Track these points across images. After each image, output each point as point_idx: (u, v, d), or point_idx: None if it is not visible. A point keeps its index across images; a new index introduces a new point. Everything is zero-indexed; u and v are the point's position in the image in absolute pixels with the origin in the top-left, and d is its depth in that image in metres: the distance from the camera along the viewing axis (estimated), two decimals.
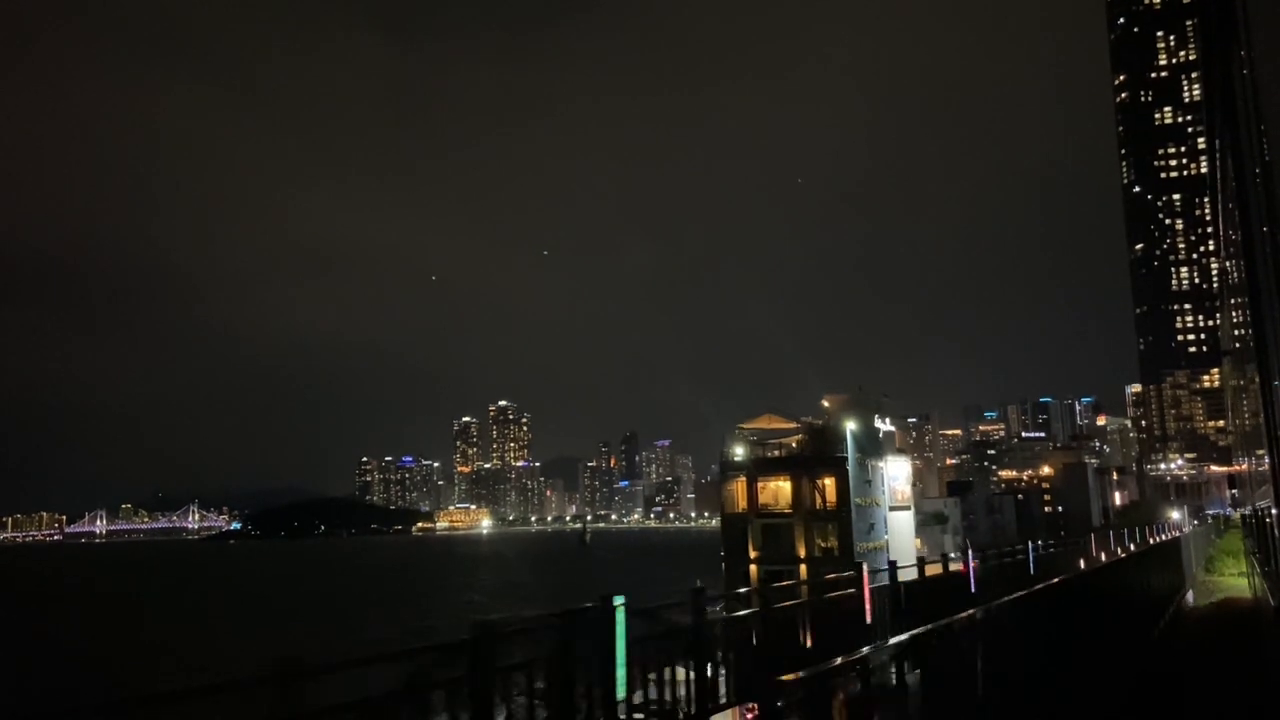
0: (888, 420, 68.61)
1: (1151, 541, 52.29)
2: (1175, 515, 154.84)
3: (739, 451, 65.79)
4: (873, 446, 65.39)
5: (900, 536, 66.27)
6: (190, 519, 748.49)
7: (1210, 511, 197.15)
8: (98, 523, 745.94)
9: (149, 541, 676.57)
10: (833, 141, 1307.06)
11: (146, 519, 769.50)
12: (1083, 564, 40.80)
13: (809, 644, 18.18)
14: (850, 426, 63.07)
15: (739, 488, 64.32)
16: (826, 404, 69.21)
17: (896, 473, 68.64)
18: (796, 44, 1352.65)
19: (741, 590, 39.93)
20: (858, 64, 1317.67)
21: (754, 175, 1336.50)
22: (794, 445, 66.77)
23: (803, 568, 59.75)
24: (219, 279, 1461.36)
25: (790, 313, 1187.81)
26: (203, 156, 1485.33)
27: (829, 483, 62.49)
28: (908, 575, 25.34)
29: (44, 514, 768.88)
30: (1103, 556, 46.96)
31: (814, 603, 19.89)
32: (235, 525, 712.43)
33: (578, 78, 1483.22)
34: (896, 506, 67.07)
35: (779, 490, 63.74)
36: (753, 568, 62.32)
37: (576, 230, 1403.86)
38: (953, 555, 34.14)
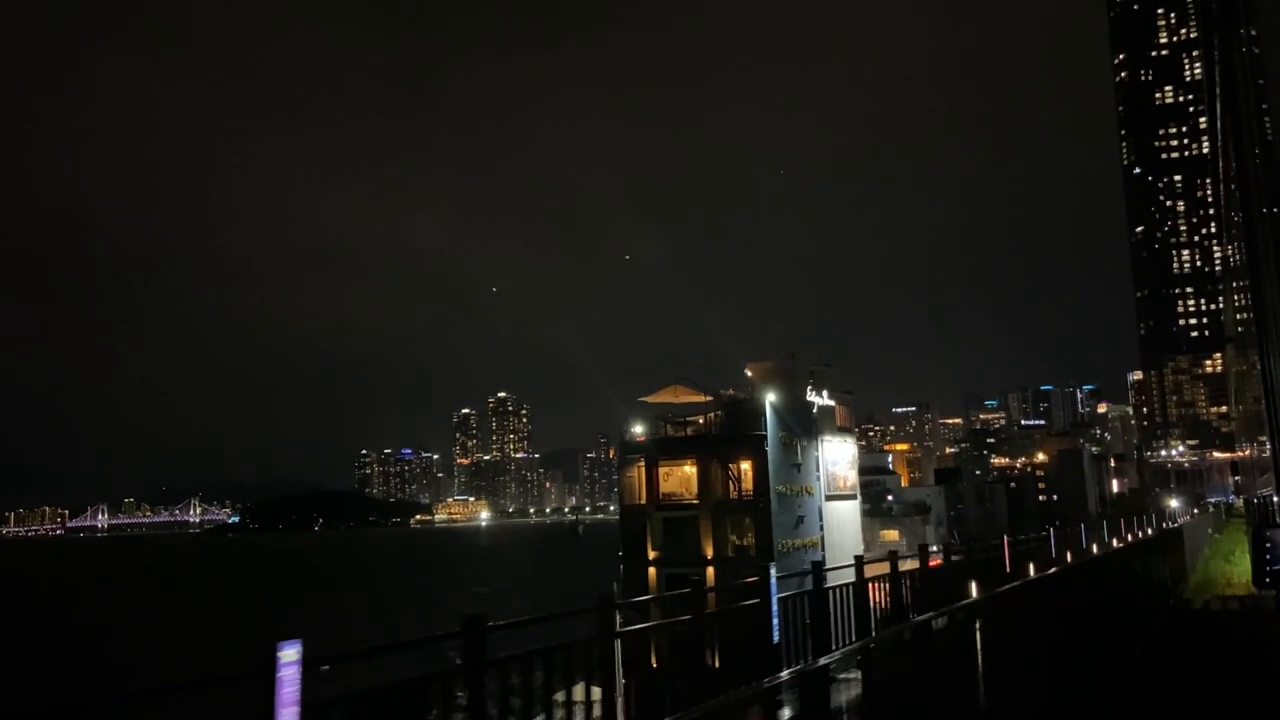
0: (825, 394, 59.05)
1: (1131, 537, 46.31)
2: (1174, 503, 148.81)
3: (638, 431, 57.34)
4: (803, 424, 56.58)
5: (840, 531, 57.30)
6: (191, 512, 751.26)
7: (1212, 499, 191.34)
8: (99, 517, 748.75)
9: (148, 535, 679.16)
10: (829, 130, 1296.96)
11: (149, 513, 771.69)
12: (1069, 557, 37.01)
13: (717, 664, 15.90)
14: (770, 399, 54.18)
15: (638, 474, 55.85)
16: (750, 373, 59.65)
17: (836, 455, 59.34)
18: (791, 29, 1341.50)
19: (641, 599, 34.64)
20: (855, 54, 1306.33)
21: (755, 167, 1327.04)
22: (704, 423, 57.59)
23: (710, 571, 50.72)
24: (219, 273, 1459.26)
25: (790, 303, 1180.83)
26: (203, 150, 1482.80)
27: (746, 467, 54.23)
28: (844, 578, 21.14)
29: (46, 509, 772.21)
30: (1094, 548, 43.07)
31: (722, 615, 17.01)
32: (234, 518, 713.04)
33: (576, 73, 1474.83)
34: (836, 495, 58.82)
35: (685, 477, 55.44)
36: (651, 571, 53.80)
37: (576, 221, 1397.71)
38: (933, 549, 29.72)
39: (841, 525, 58.44)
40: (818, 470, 55.48)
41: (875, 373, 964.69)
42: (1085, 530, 50.26)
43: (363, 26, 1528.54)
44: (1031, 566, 30.79)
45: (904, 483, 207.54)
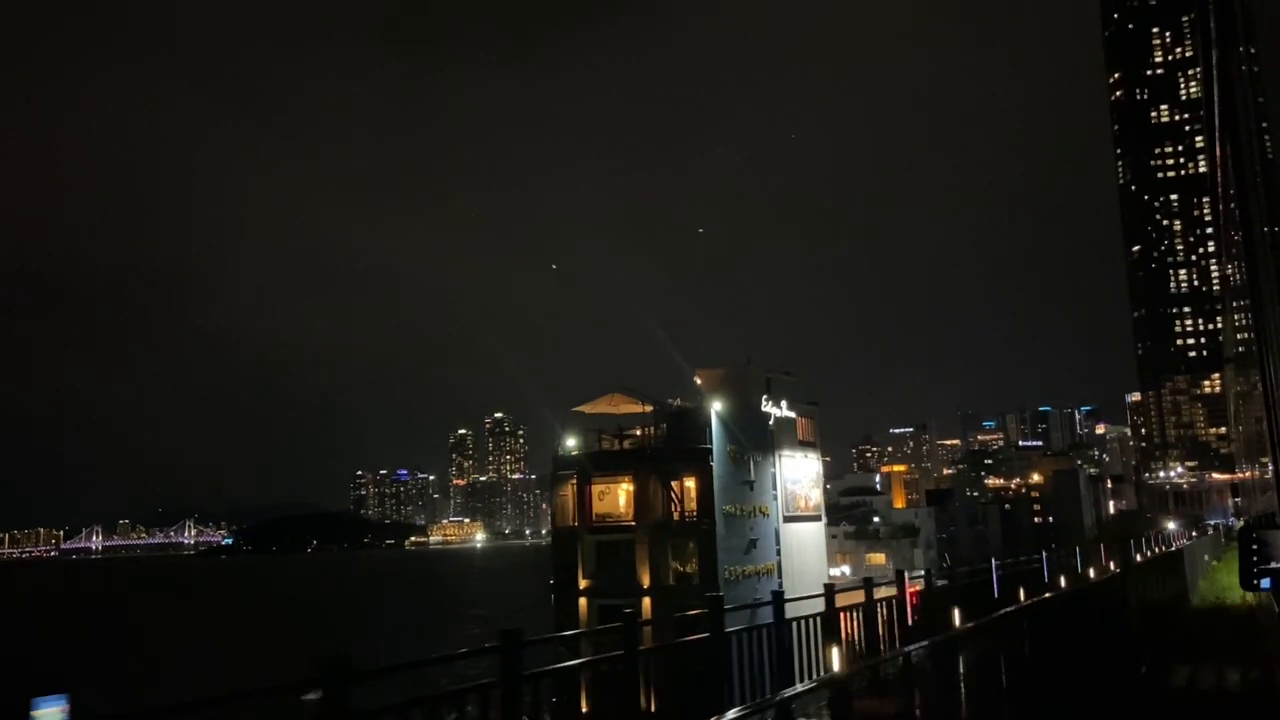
0: (783, 404, 53.97)
1: (1111, 568, 42.76)
2: (1171, 525, 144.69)
3: (570, 444, 52.03)
4: (757, 437, 51.51)
5: (802, 556, 52.46)
6: (186, 534, 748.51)
7: (1211, 521, 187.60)
8: (94, 539, 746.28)
9: (142, 557, 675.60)
10: (824, 148, 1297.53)
11: (143, 535, 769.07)
12: (1063, 582, 34.68)
13: (653, 707, 14.67)
14: (715, 407, 48.60)
15: (570, 493, 50.61)
16: (698, 380, 53.69)
17: (797, 472, 54.34)
18: (785, 55, 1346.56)
19: (570, 633, 31.58)
20: (850, 77, 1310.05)
21: (750, 188, 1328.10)
22: (642, 435, 52.31)
23: (647, 601, 45.71)
24: (214, 294, 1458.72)
25: (785, 323, 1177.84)
26: (198, 170, 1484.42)
27: (690, 485, 48.79)
28: (811, 608, 19.11)
29: (41, 530, 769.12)
30: (1091, 573, 40.71)
31: (659, 651, 15.50)
32: (228, 540, 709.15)
33: (576, 88, 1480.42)
34: (797, 516, 54.52)
35: (621, 495, 49.99)
36: (582, 602, 48.16)
37: (573, 239, 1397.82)
38: (918, 573, 28.93)
39: (803, 549, 53.70)
40: (775, 488, 51.11)
41: (873, 393, 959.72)
42: (1080, 552, 47.25)
43: (370, 44, 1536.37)
44: (1023, 592, 28.36)
45: (900, 504, 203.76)
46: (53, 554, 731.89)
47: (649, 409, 52.54)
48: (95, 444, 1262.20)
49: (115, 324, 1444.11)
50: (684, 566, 48.72)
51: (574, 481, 50.88)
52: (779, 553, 51.11)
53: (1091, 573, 39.97)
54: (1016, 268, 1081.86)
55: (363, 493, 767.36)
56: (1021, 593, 26.46)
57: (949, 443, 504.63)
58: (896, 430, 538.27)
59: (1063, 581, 33.70)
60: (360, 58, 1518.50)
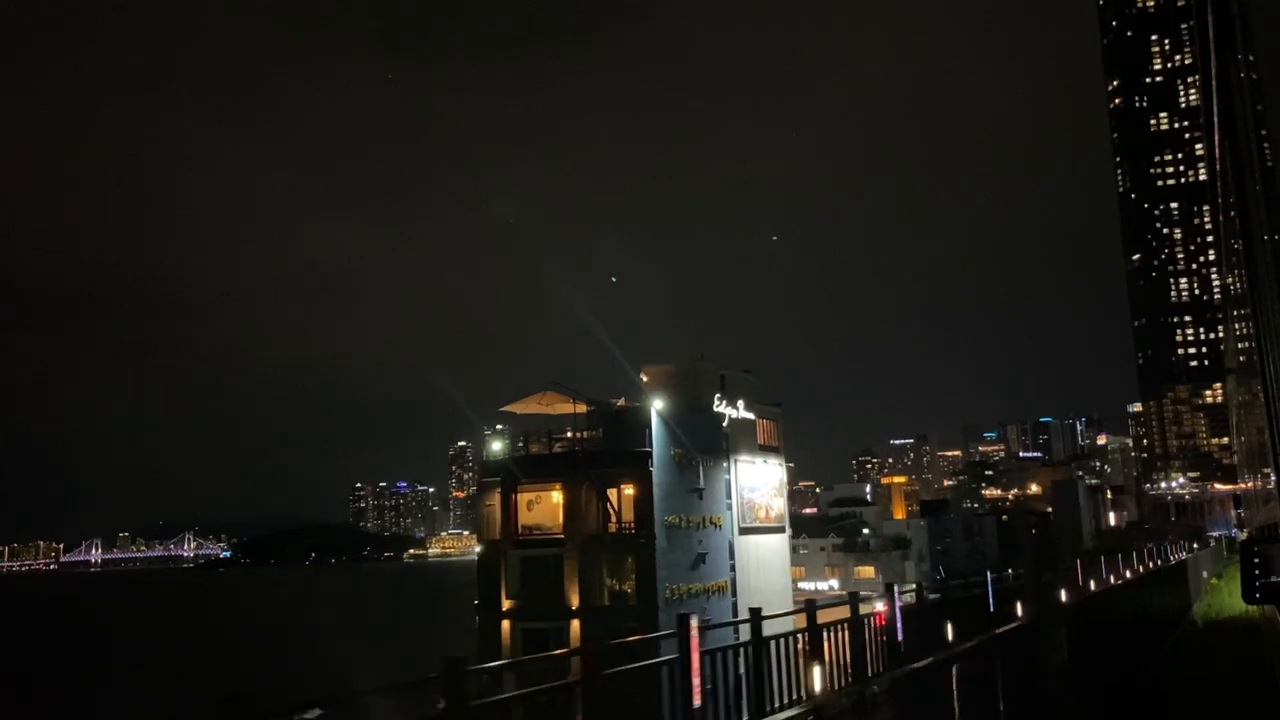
0: (740, 405, 49.31)
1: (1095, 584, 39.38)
2: (1151, 545, 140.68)
3: (497, 448, 47.12)
4: (708, 440, 46.74)
5: (761, 571, 48.20)
6: (186, 547, 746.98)
7: (1214, 533, 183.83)
8: (93, 552, 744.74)
9: (141, 570, 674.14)
10: (822, 158, 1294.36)
11: (143, 548, 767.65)
12: (1064, 595, 32.04)
13: None
14: (657, 406, 43.58)
15: (496, 502, 45.71)
16: (644, 378, 49.29)
17: (756, 479, 50.35)
18: (783, 64, 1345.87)
19: (493, 664, 28.24)
20: (848, 86, 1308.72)
21: (755, 198, 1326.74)
22: (574, 438, 47.29)
23: (575, 624, 41.39)
24: (214, 308, 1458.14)
25: (784, 332, 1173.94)
26: (195, 185, 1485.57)
27: (630, 493, 43.94)
28: (782, 626, 16.87)
29: (41, 543, 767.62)
30: (1092, 585, 38.02)
31: (592, 682, 12.79)
32: (226, 553, 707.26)
33: (577, 100, 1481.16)
34: (755, 528, 50.78)
35: (551, 505, 45.01)
36: (505, 624, 43.50)
37: (574, 244, 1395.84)
38: (907, 587, 25.97)
39: (763, 565, 49.56)
40: (729, 497, 47.53)
41: (873, 405, 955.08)
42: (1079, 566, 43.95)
43: (373, 57, 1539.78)
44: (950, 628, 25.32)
45: (900, 515, 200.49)
46: (52, 567, 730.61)
47: (582, 409, 47.93)
48: (95, 456, 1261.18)
49: (115, 336, 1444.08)
50: (620, 584, 44.28)
51: (498, 490, 46.37)
52: (733, 568, 47.31)
53: (1092, 584, 37.04)
54: (1017, 276, 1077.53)
55: (362, 505, 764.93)
56: (949, 630, 23.32)
57: (950, 454, 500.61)
58: (897, 441, 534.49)
59: (1019, 609, 30.25)
60: (363, 72, 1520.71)
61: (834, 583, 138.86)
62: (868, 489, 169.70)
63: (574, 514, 44.43)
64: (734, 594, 47.03)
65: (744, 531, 49.51)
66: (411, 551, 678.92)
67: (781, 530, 54.86)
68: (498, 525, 46.23)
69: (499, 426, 49.70)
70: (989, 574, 28.24)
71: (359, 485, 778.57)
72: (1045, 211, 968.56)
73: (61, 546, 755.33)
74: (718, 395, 48.41)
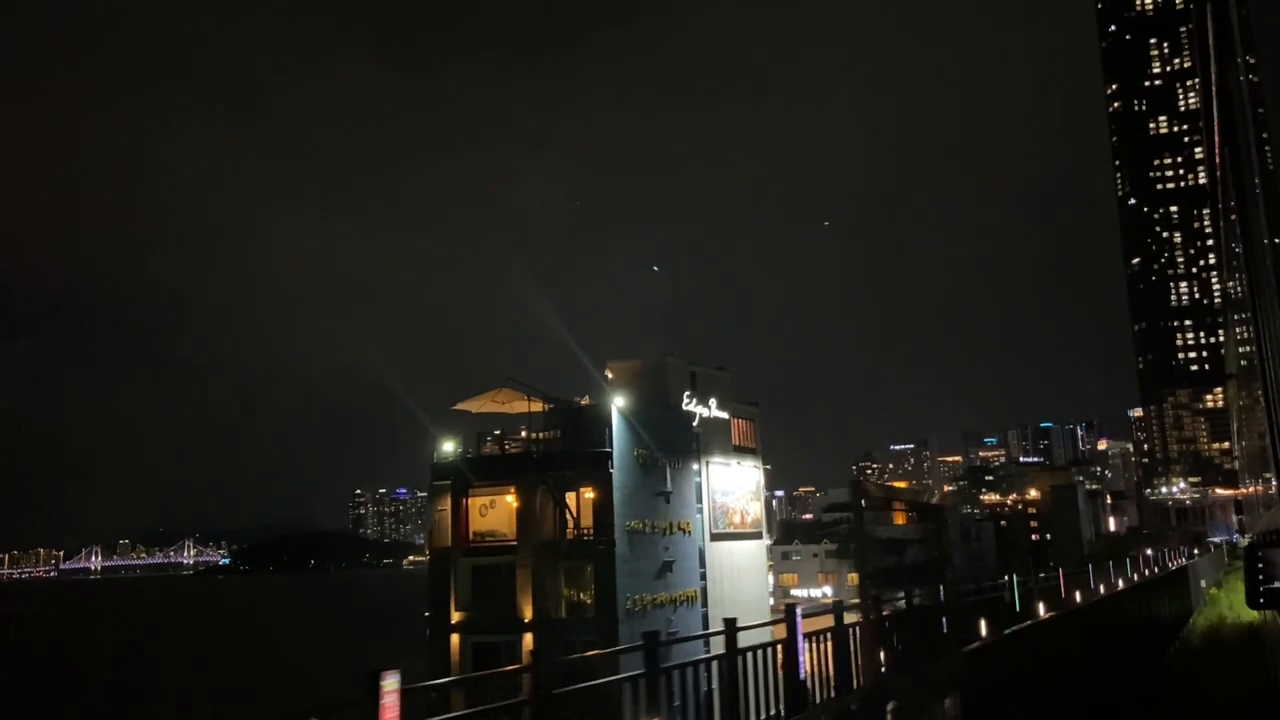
0: (713, 404, 46.70)
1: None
2: (1149, 551, 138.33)
3: (448, 448, 44.03)
4: (676, 440, 44.23)
5: (735, 580, 45.51)
6: (185, 554, 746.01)
7: (1215, 538, 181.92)
8: (93, 559, 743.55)
9: (140, 577, 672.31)
10: (822, 165, 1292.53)
11: (143, 555, 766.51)
12: (1042, 609, 28.99)
13: None
14: (618, 403, 41.04)
15: (447, 507, 42.75)
16: (609, 374, 46.80)
17: (729, 482, 47.28)
18: (790, 63, 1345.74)
19: (430, 683, 26.33)
20: (846, 95, 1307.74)
21: (756, 203, 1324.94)
22: (529, 438, 44.47)
23: (528, 638, 38.56)
24: (213, 315, 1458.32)
25: (784, 339, 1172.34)
26: (198, 189, 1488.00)
27: (589, 496, 41.04)
28: (758, 638, 15.53)
29: (41, 550, 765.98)
30: (1078, 597, 35.87)
31: (542, 702, 11.46)
32: (225, 560, 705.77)
33: (576, 104, 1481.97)
34: (729, 534, 48.67)
35: (506, 510, 41.75)
36: (454, 638, 40.88)
37: (575, 252, 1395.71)
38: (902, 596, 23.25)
39: (737, 573, 47.02)
40: (699, 501, 45.59)
41: (873, 410, 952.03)
42: (1063, 576, 41.34)
43: (364, 58, 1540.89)
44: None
45: (901, 521, 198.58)
46: (52, 574, 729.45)
47: (536, 406, 44.95)
48: (95, 464, 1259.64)
49: (114, 345, 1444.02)
50: (578, 595, 41.39)
51: (448, 495, 43.47)
52: (704, 577, 45.12)
53: (1078, 595, 34.79)
54: (1018, 281, 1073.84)
55: (361, 512, 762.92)
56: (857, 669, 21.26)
57: (950, 459, 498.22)
58: (897, 447, 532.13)
59: (1041, 609, 27.90)
60: (365, 76, 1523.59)
61: (828, 589, 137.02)
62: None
63: (528, 519, 41.74)
64: (705, 604, 44.90)
65: (716, 537, 47.41)
66: (411, 558, 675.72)
67: (759, 536, 52.91)
68: (448, 532, 43.54)
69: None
70: (939, 589, 25.87)
71: (359, 492, 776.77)
72: (1045, 216, 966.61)
73: (62, 554, 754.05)
74: (687, 393, 46.18)
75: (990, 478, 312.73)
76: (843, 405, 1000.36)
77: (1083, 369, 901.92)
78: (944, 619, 22.38)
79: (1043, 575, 37.50)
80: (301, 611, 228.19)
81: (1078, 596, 35.67)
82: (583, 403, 45.19)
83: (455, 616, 42.14)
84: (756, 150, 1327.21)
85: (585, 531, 41.88)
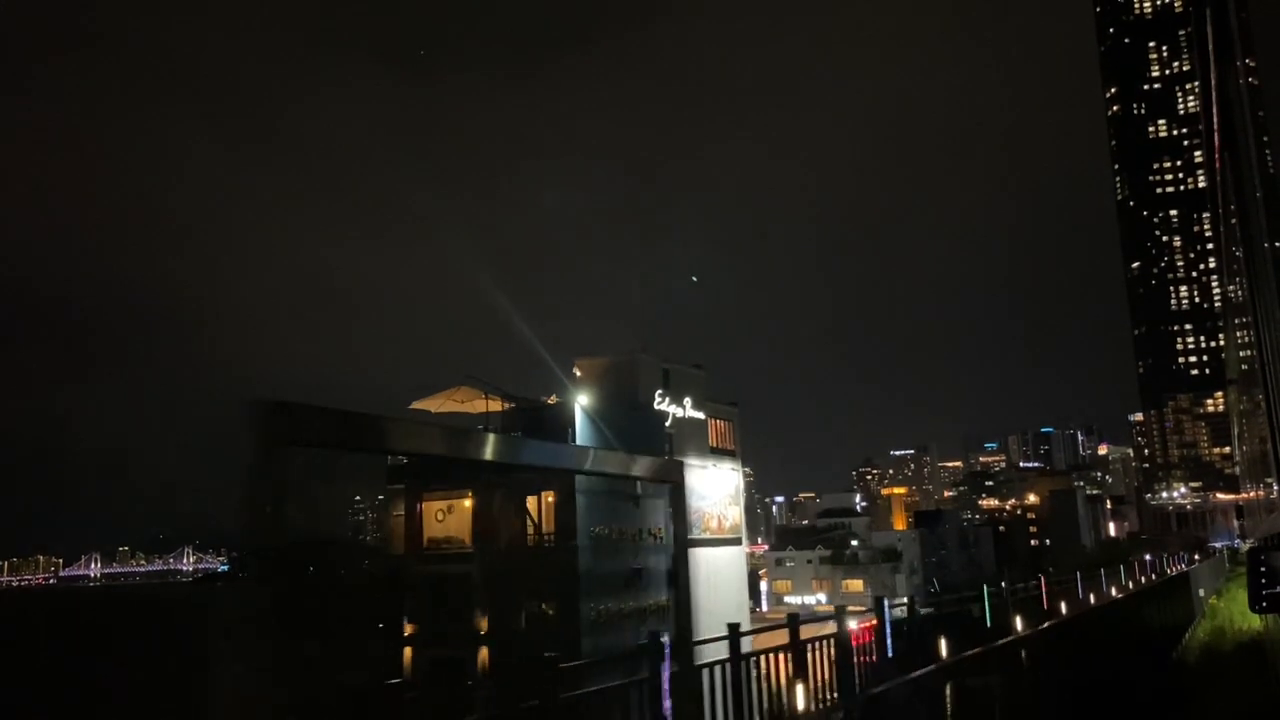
0: (688, 403, 44.51)
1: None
2: (1147, 557, 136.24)
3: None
4: (646, 440, 41.37)
5: (711, 588, 42.70)
6: (185, 561, 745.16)
7: (1216, 543, 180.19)
8: (91, 566, 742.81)
9: (139, 584, 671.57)
10: (815, 175, 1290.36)
11: (142, 561, 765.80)
12: (1020, 624, 26.70)
13: None
14: (581, 401, 39.18)
15: (402, 512, 40.89)
16: (577, 372, 44.91)
17: (706, 486, 44.81)
18: (777, 77, 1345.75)
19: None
20: (840, 100, 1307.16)
21: (752, 208, 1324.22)
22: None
23: (484, 651, 36.87)
24: (212, 320, 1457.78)
25: (783, 346, 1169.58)
26: (195, 194, 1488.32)
27: (551, 500, 38.82)
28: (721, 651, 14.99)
29: (41, 557, 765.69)
30: (1063, 607, 33.45)
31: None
32: (224, 567, 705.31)
33: (577, 114, 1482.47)
34: (706, 540, 46.67)
35: (463, 515, 39.74)
36: (407, 651, 38.84)
37: (576, 259, 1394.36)
38: (899, 601, 23.84)
39: (713, 581, 44.95)
40: (669, 506, 43.71)
41: (875, 416, 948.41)
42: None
43: (365, 66, 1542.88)
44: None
45: (901, 526, 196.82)
46: (52, 581, 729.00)
47: (495, 405, 42.58)
48: (96, 470, 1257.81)
49: (113, 349, 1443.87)
50: (540, 605, 39.26)
51: (401, 500, 41.44)
52: (670, 586, 43.39)
53: (1063, 606, 32.31)
54: (1018, 285, 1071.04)
55: (361, 519, 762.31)
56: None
57: (951, 464, 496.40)
58: (897, 452, 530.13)
59: (1019, 624, 25.48)
60: (362, 81, 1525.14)
61: (821, 596, 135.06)
62: (857, 499, 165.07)
63: (486, 525, 39.44)
64: (670, 619, 43.14)
65: (691, 544, 45.85)
66: None
67: (737, 542, 50.93)
68: (402, 539, 41.49)
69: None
70: (908, 599, 23.89)
71: (358, 498, 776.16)
72: (1045, 219, 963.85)
73: (61, 561, 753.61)
74: (659, 391, 44.25)
75: (990, 483, 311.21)
76: (844, 411, 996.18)
77: (1084, 373, 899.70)
78: (890, 645, 20.17)
79: (1021, 585, 34.85)
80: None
81: (1063, 607, 33.27)
82: (550, 401, 42.85)
83: (408, 629, 40.13)
84: (756, 156, 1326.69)
85: (547, 538, 39.76)
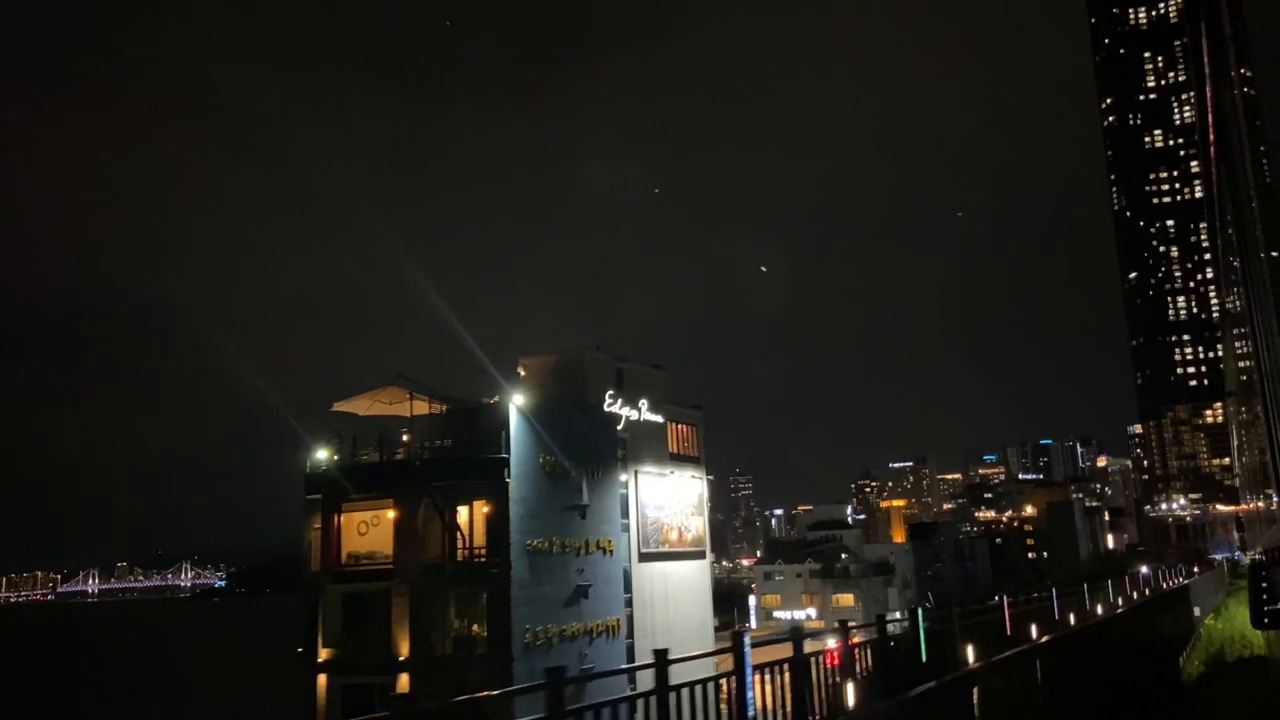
0: (644, 405, 41.99)
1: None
2: (1144, 569, 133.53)
3: (321, 456, 38.56)
4: (594, 445, 39.35)
5: (670, 606, 40.92)
6: (183, 576, 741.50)
7: (1216, 555, 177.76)
8: (90, 582, 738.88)
9: (138, 600, 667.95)
10: (817, 180, 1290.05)
11: (141, 577, 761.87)
12: (971, 655, 23.50)
13: None
14: (516, 401, 35.98)
15: (320, 525, 37.53)
16: (522, 371, 42.33)
17: (663, 495, 42.67)
18: (773, 87, 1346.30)
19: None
20: (836, 111, 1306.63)
21: (750, 218, 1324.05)
22: (409, 442, 39.17)
23: (404, 678, 33.58)
24: (212, 337, 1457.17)
25: (781, 357, 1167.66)
26: (198, 213, 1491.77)
27: (485, 511, 35.95)
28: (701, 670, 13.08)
29: (39, 573, 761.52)
30: (1033, 630, 28.28)
31: None
32: (222, 582, 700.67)
33: (578, 130, 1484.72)
34: (663, 553, 44.20)
35: (387, 528, 36.42)
36: (321, 679, 35.75)
37: (576, 265, 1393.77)
38: (894, 616, 24.25)
39: (672, 598, 42.47)
40: (625, 516, 41.49)
41: (874, 428, 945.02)
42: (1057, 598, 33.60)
43: (365, 80, 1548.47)
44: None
45: (900, 539, 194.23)
46: (50, 597, 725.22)
47: (422, 407, 39.52)
48: (94, 486, 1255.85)
49: (113, 366, 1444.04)
50: (469, 627, 36.10)
51: (319, 511, 38.08)
52: (629, 603, 40.72)
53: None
54: (1015, 298, 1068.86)
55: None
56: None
57: (950, 477, 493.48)
58: (896, 465, 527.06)
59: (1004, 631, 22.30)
60: (362, 97, 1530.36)
61: (811, 611, 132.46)
62: (849, 510, 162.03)
63: (409, 538, 36.27)
64: (630, 635, 40.49)
65: (646, 558, 43.17)
66: None
67: (700, 555, 48.45)
68: (318, 553, 38.38)
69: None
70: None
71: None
72: (1042, 230, 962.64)
73: (59, 577, 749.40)
74: (610, 392, 41.87)
75: (988, 495, 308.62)
76: (843, 424, 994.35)
77: (1083, 385, 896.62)
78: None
79: (974, 606, 30.79)
80: (253, 637, 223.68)
81: (1034, 631, 28.18)
82: (491, 402, 40.13)
83: (323, 654, 37.05)
84: (755, 164, 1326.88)
85: (478, 552, 36.78)
